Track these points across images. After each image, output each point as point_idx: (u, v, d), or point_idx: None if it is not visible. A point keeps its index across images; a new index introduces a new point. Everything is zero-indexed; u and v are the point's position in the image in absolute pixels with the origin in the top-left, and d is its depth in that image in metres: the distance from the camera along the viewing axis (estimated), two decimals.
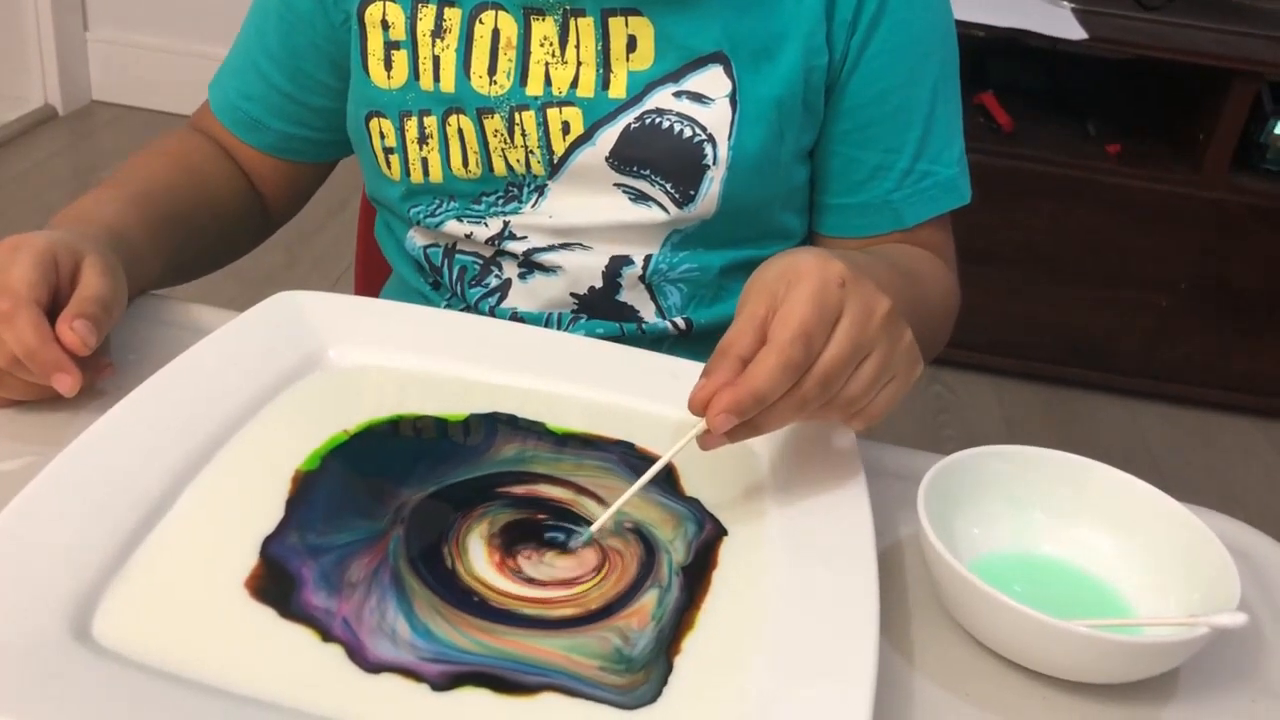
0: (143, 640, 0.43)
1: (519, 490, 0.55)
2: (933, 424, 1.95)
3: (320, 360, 0.62)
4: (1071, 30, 1.89)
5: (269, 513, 0.50)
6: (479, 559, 0.50)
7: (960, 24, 1.95)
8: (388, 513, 0.52)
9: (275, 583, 0.46)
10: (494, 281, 0.77)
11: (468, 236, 0.76)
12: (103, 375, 0.59)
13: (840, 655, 0.45)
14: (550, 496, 0.55)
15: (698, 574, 0.51)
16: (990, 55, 2.11)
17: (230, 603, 0.45)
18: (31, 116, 2.55)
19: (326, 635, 0.44)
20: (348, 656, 0.43)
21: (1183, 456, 1.96)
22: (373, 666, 0.43)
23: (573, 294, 0.75)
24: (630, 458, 0.58)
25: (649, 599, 0.49)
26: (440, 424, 0.59)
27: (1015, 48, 1.90)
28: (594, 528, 0.53)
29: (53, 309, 0.57)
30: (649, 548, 0.53)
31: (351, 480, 0.53)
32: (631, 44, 0.70)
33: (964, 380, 2.05)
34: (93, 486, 0.49)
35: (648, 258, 0.74)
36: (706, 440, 0.51)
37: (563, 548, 0.52)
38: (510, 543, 0.51)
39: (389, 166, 0.75)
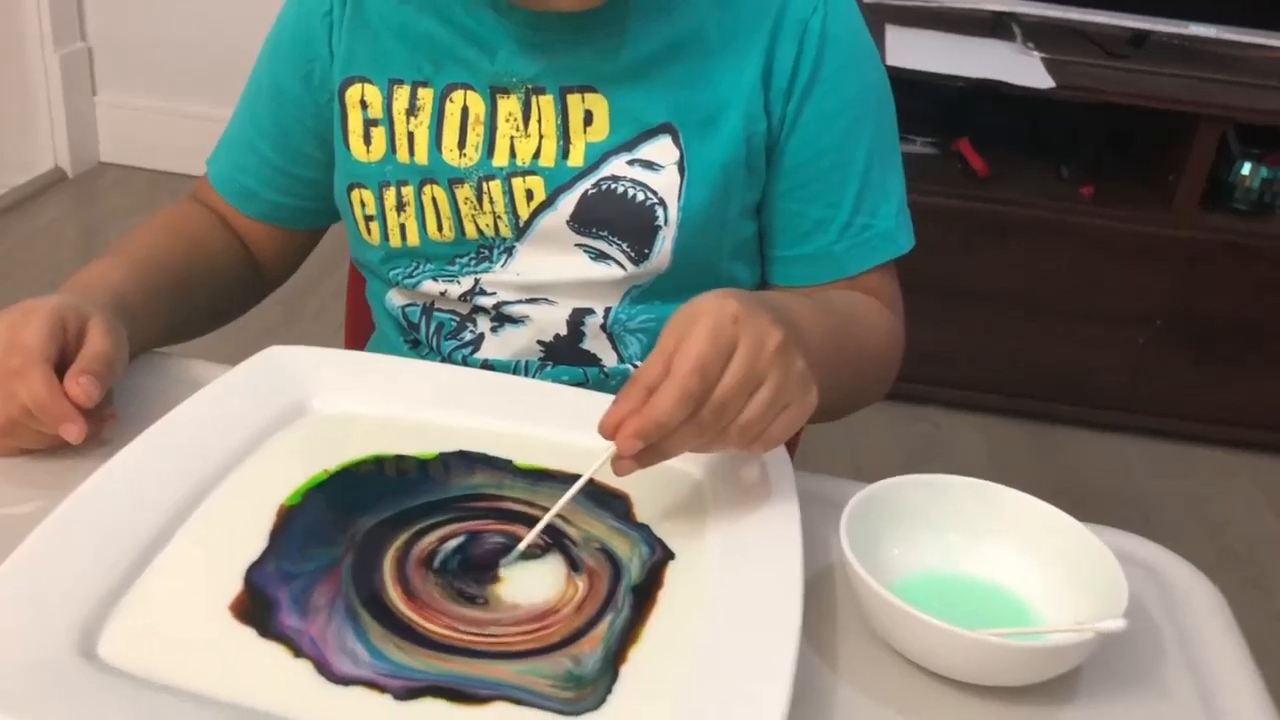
0: (143, 658, 0.49)
1: (477, 505, 0.61)
2: (921, 460, 2.00)
3: (305, 409, 0.68)
4: (1040, 79, 1.97)
5: (255, 543, 0.56)
6: (392, 591, 0.55)
7: (937, 75, 2.02)
8: (345, 540, 0.57)
9: (256, 606, 0.52)
10: (468, 335, 0.83)
11: (442, 294, 0.82)
12: (106, 425, 0.65)
13: (764, 658, 0.51)
14: (506, 507, 0.61)
15: (646, 593, 0.57)
16: (966, 103, 2.18)
17: (218, 624, 0.51)
18: (42, 179, 2.63)
19: (298, 652, 0.50)
20: (316, 671, 0.49)
21: (1165, 487, 2.01)
22: (340, 679, 0.49)
23: (540, 342, 0.81)
24: (586, 487, 0.63)
25: (603, 625, 0.54)
26: (415, 461, 0.65)
27: (990, 95, 1.97)
28: (521, 546, 0.58)
29: (61, 366, 0.63)
30: (616, 567, 0.58)
31: (327, 513, 0.59)
32: (588, 118, 0.76)
33: (951, 418, 2.11)
34: (98, 525, 0.55)
35: (608, 310, 0.80)
36: (618, 465, 0.57)
37: (486, 568, 0.57)
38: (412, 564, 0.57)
39: (369, 233, 0.81)
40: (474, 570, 0.57)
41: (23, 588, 0.51)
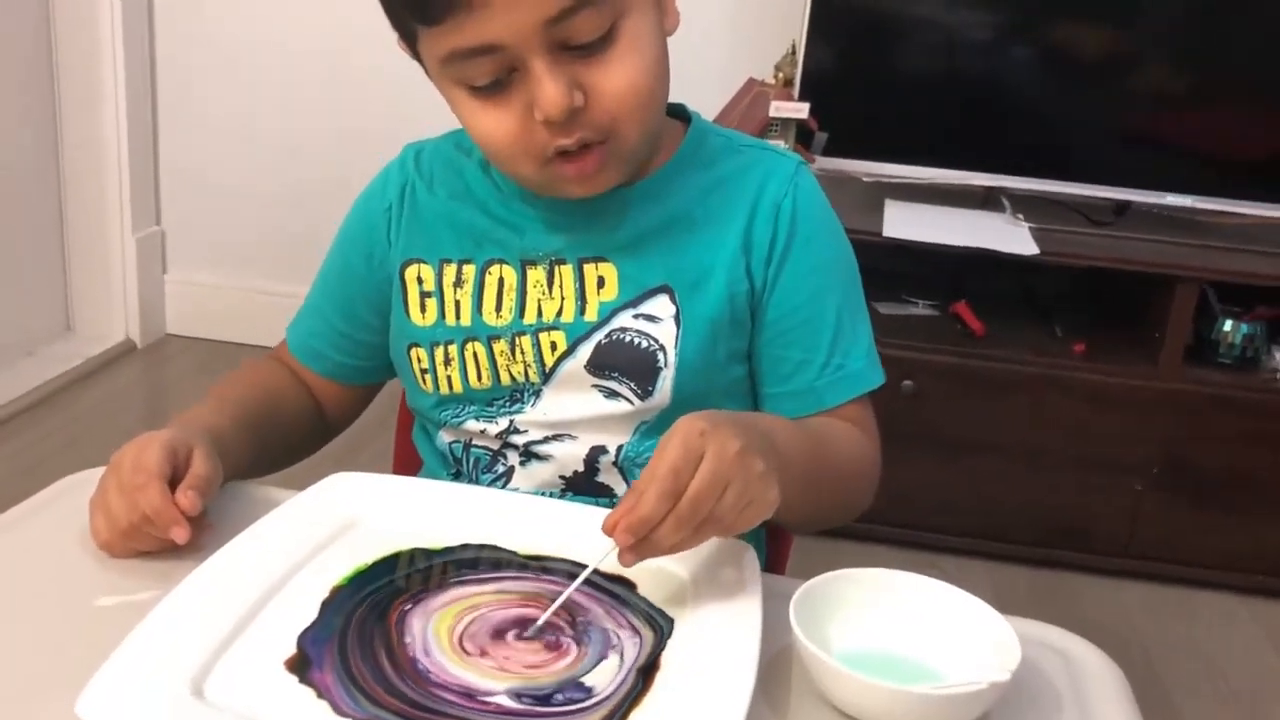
0: (232, 696, 0.64)
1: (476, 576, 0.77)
2: None
3: (360, 519, 0.84)
4: (1026, 246, 2.14)
5: (311, 612, 0.72)
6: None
7: (932, 245, 2.21)
8: (350, 609, 0.73)
9: (301, 663, 0.68)
10: (500, 468, 0.98)
11: (482, 432, 0.97)
12: (205, 533, 0.81)
13: (726, 707, 0.64)
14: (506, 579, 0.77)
15: (648, 672, 0.70)
16: (962, 269, 2.36)
17: (277, 674, 0.67)
18: (113, 350, 2.84)
19: (320, 694, 0.65)
20: (332, 709, 0.64)
21: (1166, 630, 2.08)
22: (347, 714, 0.63)
23: (561, 476, 0.96)
24: (600, 578, 0.78)
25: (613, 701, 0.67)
26: (438, 550, 0.81)
27: (984, 261, 2.14)
28: (540, 621, 0.73)
29: (172, 484, 0.79)
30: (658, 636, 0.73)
31: (360, 591, 0.75)
32: (601, 282, 0.93)
33: (959, 564, 2.20)
34: (200, 605, 0.70)
35: (620, 447, 0.95)
36: (622, 557, 0.72)
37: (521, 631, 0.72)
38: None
39: (424, 383, 0.98)
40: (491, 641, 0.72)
41: (146, 650, 0.66)
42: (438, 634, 0.71)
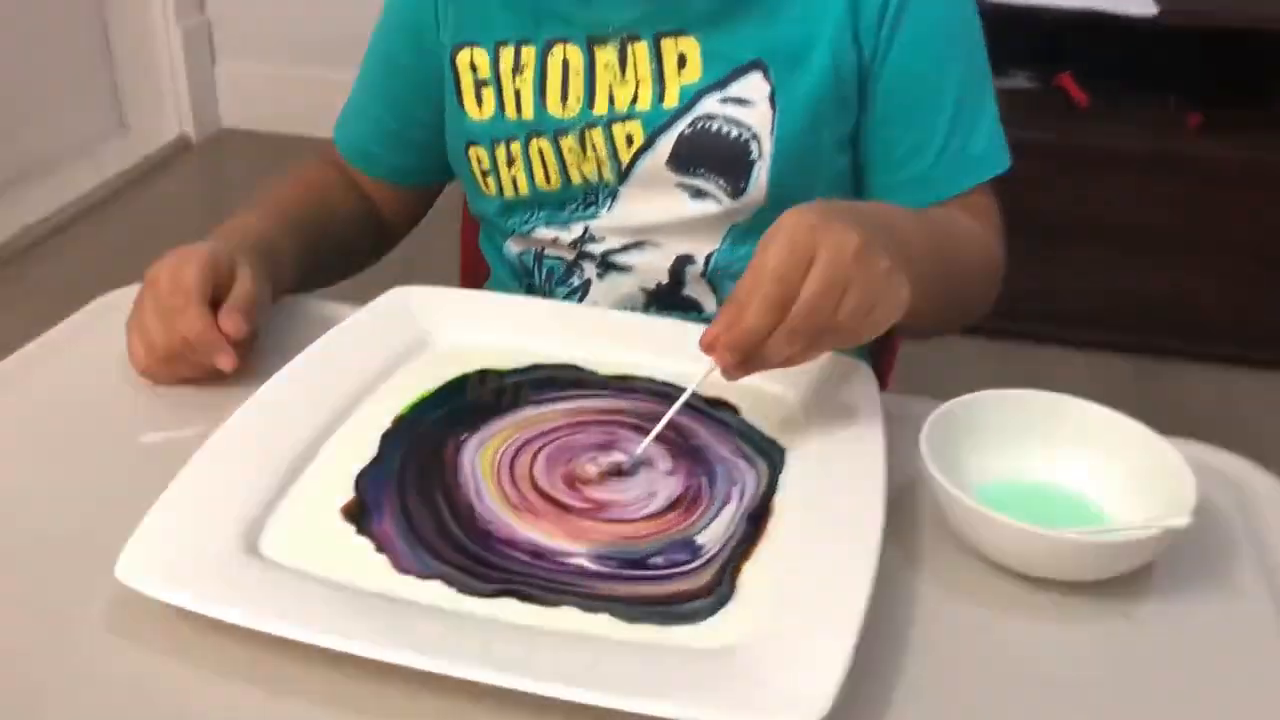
0: (288, 551, 0.57)
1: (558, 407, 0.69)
2: None
3: (425, 339, 0.75)
4: (1144, 7, 1.93)
5: (371, 448, 0.64)
6: (476, 488, 0.62)
7: (1037, 7, 1.99)
8: (412, 442, 0.65)
9: (358, 510, 0.60)
10: (576, 281, 0.88)
11: (554, 240, 0.87)
12: (255, 358, 0.72)
13: (851, 560, 0.55)
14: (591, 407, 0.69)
15: (758, 520, 0.61)
16: (1068, 36, 2.15)
17: (333, 524, 0.59)
18: (169, 147, 2.76)
19: (379, 548, 0.57)
20: (393, 566, 0.56)
21: (1275, 421, 1.98)
22: (407, 571, 0.56)
23: (643, 289, 0.86)
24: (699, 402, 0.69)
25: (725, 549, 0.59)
26: (509, 371, 0.73)
27: (1093, 25, 1.94)
28: (639, 450, 0.64)
29: (215, 305, 0.71)
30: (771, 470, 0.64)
31: (424, 418, 0.67)
32: (681, 61, 0.81)
33: (1056, 354, 2.09)
34: (252, 445, 0.63)
35: (709, 256, 0.85)
36: (725, 372, 0.62)
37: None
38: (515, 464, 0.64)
39: (487, 187, 0.87)
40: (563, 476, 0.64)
41: (192, 498, 0.58)
42: (482, 464, 0.63)
